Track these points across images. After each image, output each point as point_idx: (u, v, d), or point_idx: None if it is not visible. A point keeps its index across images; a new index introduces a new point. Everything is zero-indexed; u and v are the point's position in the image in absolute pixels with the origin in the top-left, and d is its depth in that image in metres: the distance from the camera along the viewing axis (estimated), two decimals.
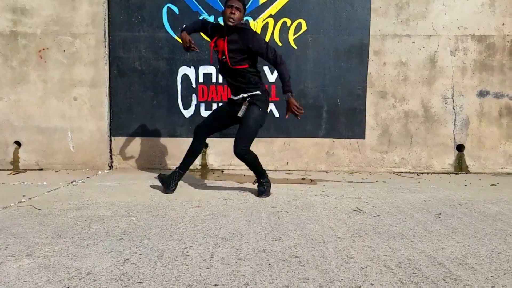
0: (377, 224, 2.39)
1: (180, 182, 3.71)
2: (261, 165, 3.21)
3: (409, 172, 4.41)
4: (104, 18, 4.35)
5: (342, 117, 4.45)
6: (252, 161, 3.12)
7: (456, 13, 4.32)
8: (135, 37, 4.37)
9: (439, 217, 2.57)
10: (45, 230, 2.25)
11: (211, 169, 4.50)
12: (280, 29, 4.36)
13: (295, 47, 4.40)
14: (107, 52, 4.39)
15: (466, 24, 4.33)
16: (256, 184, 3.25)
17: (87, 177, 3.99)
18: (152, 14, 4.35)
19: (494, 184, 3.76)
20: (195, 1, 4.34)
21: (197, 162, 4.51)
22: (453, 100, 4.39)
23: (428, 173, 4.40)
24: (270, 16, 4.36)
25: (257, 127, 3.07)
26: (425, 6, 4.33)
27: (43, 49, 4.37)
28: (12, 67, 4.38)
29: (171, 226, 2.32)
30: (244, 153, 3.03)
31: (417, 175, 4.30)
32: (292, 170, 4.43)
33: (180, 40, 4.36)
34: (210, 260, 1.80)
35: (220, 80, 4.44)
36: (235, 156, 3.05)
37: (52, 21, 4.35)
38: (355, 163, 4.47)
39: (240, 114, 3.04)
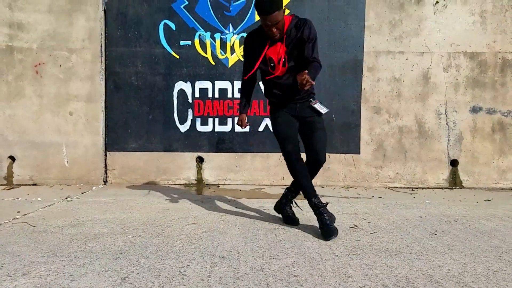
0: (374, 241, 2.40)
1: (176, 198, 3.71)
2: None
3: (404, 187, 4.44)
4: (101, 34, 4.38)
5: (337, 132, 4.48)
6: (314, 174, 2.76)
7: (448, 30, 4.40)
8: (131, 53, 4.40)
9: (435, 234, 2.58)
10: (40, 248, 2.23)
11: (207, 184, 4.49)
12: None
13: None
14: (103, 67, 4.41)
15: (458, 41, 4.41)
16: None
17: (82, 193, 3.96)
18: (149, 30, 4.39)
19: (488, 200, 3.80)
20: (191, 18, 4.39)
21: (193, 177, 4.50)
22: (446, 116, 4.45)
23: (422, 188, 4.43)
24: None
25: None
26: (418, 23, 4.41)
27: (39, 64, 4.37)
28: (7, 81, 4.37)
29: (168, 244, 2.31)
30: (324, 161, 2.68)
31: (412, 190, 4.32)
32: (288, 185, 4.42)
33: (177, 57, 4.43)
34: (208, 280, 1.79)
35: (216, 95, 4.46)
36: (317, 164, 2.64)
37: (49, 36, 4.37)
38: (350, 178, 4.49)
39: (323, 110, 2.68)
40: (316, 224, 2.79)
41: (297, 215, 2.89)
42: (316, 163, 2.66)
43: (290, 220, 2.80)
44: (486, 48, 4.41)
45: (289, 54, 2.60)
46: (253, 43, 2.67)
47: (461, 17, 4.40)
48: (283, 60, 2.60)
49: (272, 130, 2.79)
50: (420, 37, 4.42)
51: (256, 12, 4.23)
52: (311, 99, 2.72)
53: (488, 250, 2.25)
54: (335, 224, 2.62)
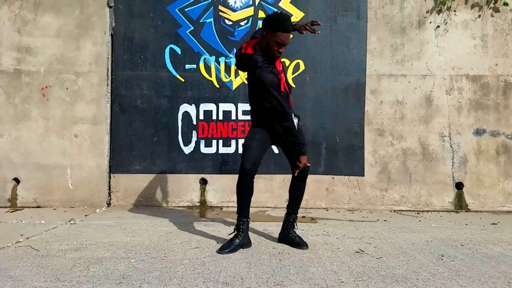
0: (380, 267, 2.36)
1: (179, 220, 3.69)
2: None
3: (409, 210, 4.40)
4: (108, 58, 4.45)
5: (341, 154, 4.48)
6: (304, 189, 2.89)
7: (450, 54, 4.45)
8: (137, 76, 4.46)
9: (442, 259, 2.54)
10: (43, 272, 2.21)
11: (210, 206, 4.47)
12: None
13: (293, 85, 4.49)
14: (109, 90, 4.47)
15: (460, 64, 4.45)
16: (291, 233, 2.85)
17: (85, 215, 3.95)
18: (155, 54, 4.46)
19: (494, 223, 3.75)
20: (197, 42, 4.47)
21: (196, 199, 4.49)
22: (450, 138, 4.44)
23: (428, 211, 4.38)
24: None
25: None
26: (420, 47, 4.47)
27: (46, 87, 4.44)
28: (14, 104, 4.43)
29: (171, 269, 2.29)
30: (307, 174, 2.86)
31: (418, 213, 4.28)
32: None
33: (183, 80, 4.49)
34: None
35: (221, 117, 4.50)
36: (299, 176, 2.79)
37: (56, 60, 4.44)
38: (355, 201, 4.46)
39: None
40: (322, 248, 2.76)
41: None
42: (299, 176, 2.79)
43: (298, 244, 2.77)
44: (488, 71, 4.45)
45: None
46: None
47: (463, 40, 4.45)
48: (282, 75, 2.78)
49: (244, 140, 2.87)
50: (422, 60, 4.46)
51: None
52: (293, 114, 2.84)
53: (496, 276, 2.21)
54: (341, 249, 2.58)
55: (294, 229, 2.88)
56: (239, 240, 2.69)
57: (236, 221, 2.77)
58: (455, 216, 4.11)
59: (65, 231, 3.24)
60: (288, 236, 2.85)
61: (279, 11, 2.63)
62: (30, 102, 4.43)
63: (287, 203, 2.86)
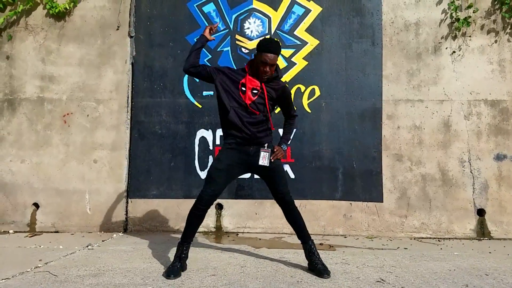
0: None
1: (195, 246, 3.66)
2: None
3: (430, 238, 4.28)
4: (128, 85, 4.57)
5: (359, 180, 4.43)
6: (299, 213, 2.91)
7: (467, 79, 4.43)
8: (156, 103, 4.56)
9: None
10: None
11: (226, 232, 4.44)
12: (294, 94, 4.52)
13: (309, 111, 4.52)
14: (129, 117, 4.56)
15: (478, 89, 4.42)
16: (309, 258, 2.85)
17: (103, 241, 3.96)
18: (174, 81, 4.56)
19: None
20: None
21: (212, 225, 4.47)
22: (470, 164, 4.37)
23: (449, 238, 4.26)
24: (285, 82, 4.53)
25: None
26: (436, 73, 4.46)
27: (68, 114, 4.56)
28: (36, 131, 4.55)
29: None
30: (292, 200, 2.89)
31: (438, 240, 4.17)
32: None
33: (200, 106, 4.57)
34: None
35: None
36: (285, 203, 2.86)
37: (78, 87, 4.58)
38: (374, 227, 4.37)
39: (265, 163, 2.79)
40: (341, 277, 2.69)
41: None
42: (284, 203, 2.87)
43: (319, 272, 2.72)
44: (507, 95, 4.40)
45: (265, 95, 2.77)
46: (233, 72, 2.90)
47: (479, 66, 4.43)
48: (257, 91, 2.78)
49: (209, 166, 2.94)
50: (439, 85, 4.45)
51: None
52: (266, 145, 2.85)
53: None
54: (361, 279, 2.51)
55: (316, 256, 2.83)
56: (180, 264, 2.77)
57: (178, 246, 2.83)
58: (478, 244, 3.99)
59: (83, 257, 3.26)
60: (312, 265, 2.82)
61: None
62: (52, 129, 4.54)
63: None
